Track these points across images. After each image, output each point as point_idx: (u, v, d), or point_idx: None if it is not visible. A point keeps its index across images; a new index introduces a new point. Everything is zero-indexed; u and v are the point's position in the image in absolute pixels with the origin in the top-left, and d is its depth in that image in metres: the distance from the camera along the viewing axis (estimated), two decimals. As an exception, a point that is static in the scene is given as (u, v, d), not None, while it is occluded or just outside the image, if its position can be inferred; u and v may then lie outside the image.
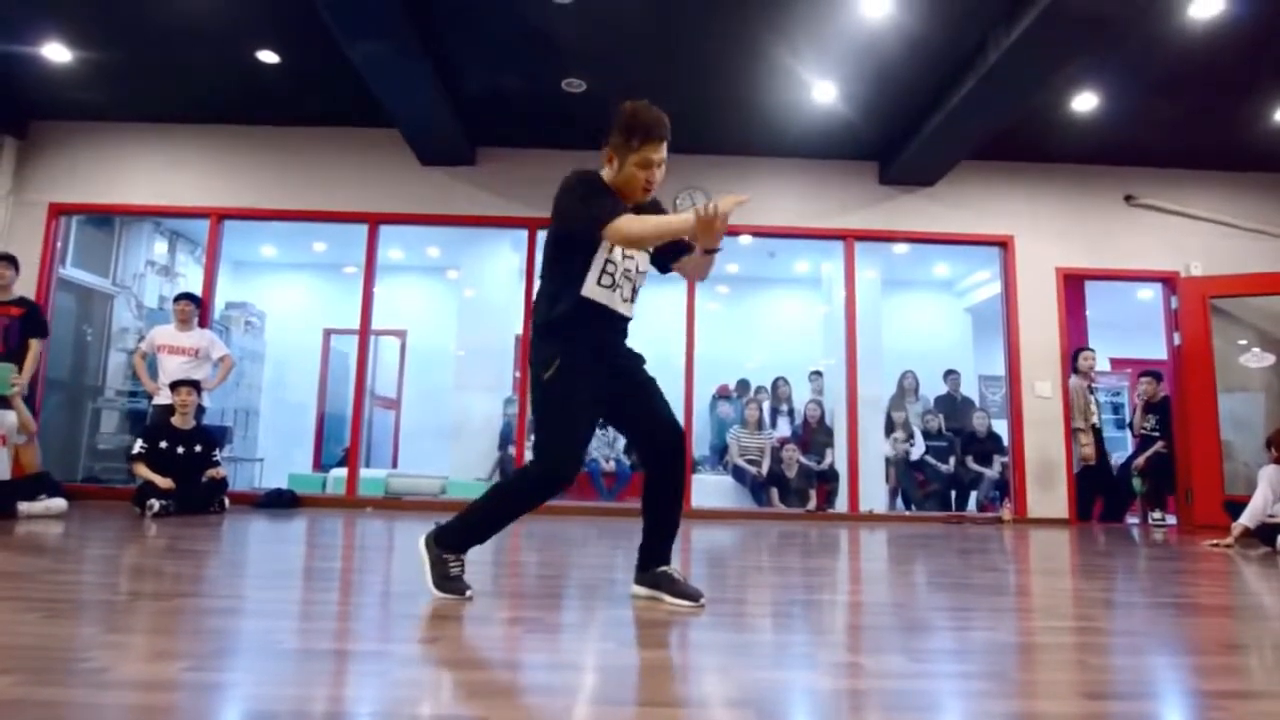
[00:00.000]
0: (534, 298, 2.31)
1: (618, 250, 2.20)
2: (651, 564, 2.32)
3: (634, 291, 2.31)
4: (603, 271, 2.20)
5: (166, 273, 7.68)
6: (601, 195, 2.15)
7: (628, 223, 2.06)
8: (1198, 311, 6.32)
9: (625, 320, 2.31)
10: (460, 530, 2.25)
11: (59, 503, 4.45)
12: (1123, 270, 6.56)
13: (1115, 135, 6.04)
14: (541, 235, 6.56)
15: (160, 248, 7.64)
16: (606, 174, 2.23)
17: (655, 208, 2.33)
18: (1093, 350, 6.66)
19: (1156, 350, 7.00)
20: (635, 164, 2.18)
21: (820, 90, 5.42)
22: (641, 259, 2.29)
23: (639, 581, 2.34)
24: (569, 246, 2.20)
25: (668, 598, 2.24)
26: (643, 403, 2.28)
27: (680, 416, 6.31)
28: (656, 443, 2.28)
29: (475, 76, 5.40)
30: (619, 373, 2.28)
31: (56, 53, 5.30)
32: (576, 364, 2.18)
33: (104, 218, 6.89)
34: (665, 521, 2.33)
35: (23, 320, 5.11)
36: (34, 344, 5.08)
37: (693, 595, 2.21)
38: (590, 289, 2.20)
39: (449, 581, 2.24)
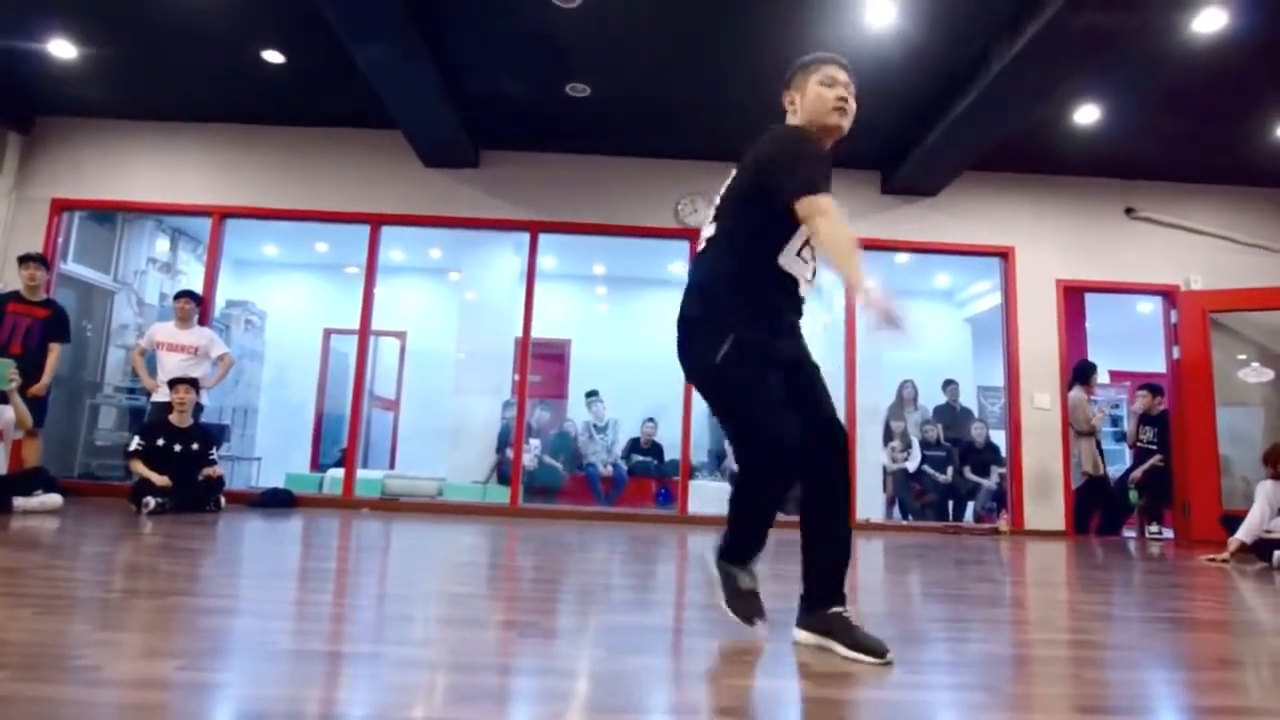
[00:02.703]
0: (700, 267, 1.98)
1: None
2: (815, 604, 1.86)
3: (814, 272, 1.99)
4: (805, 242, 1.90)
5: (168, 270, 7.68)
6: (820, 162, 1.85)
7: (829, 209, 1.76)
8: (1197, 325, 6.32)
9: (803, 303, 1.99)
10: (730, 539, 1.97)
11: (54, 498, 4.44)
12: (1123, 283, 6.56)
13: (1117, 148, 6.05)
14: (544, 238, 6.64)
15: (162, 245, 7.64)
16: (794, 121, 2.01)
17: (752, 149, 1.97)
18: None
19: (1156, 363, 7.00)
20: (818, 82, 1.96)
21: (823, 99, 5.43)
22: None
23: (801, 625, 1.89)
24: (770, 204, 1.84)
25: (840, 649, 1.76)
26: (804, 394, 1.91)
27: (677, 423, 6.40)
28: (815, 446, 1.87)
29: (479, 80, 5.41)
30: (791, 362, 1.94)
31: (62, 49, 5.31)
32: (752, 340, 1.85)
33: (106, 214, 6.89)
34: (822, 548, 1.90)
35: (46, 322, 5.11)
36: (55, 347, 5.09)
37: (876, 649, 1.71)
38: (789, 259, 1.89)
39: (737, 600, 1.93)
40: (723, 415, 1.97)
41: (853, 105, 2.00)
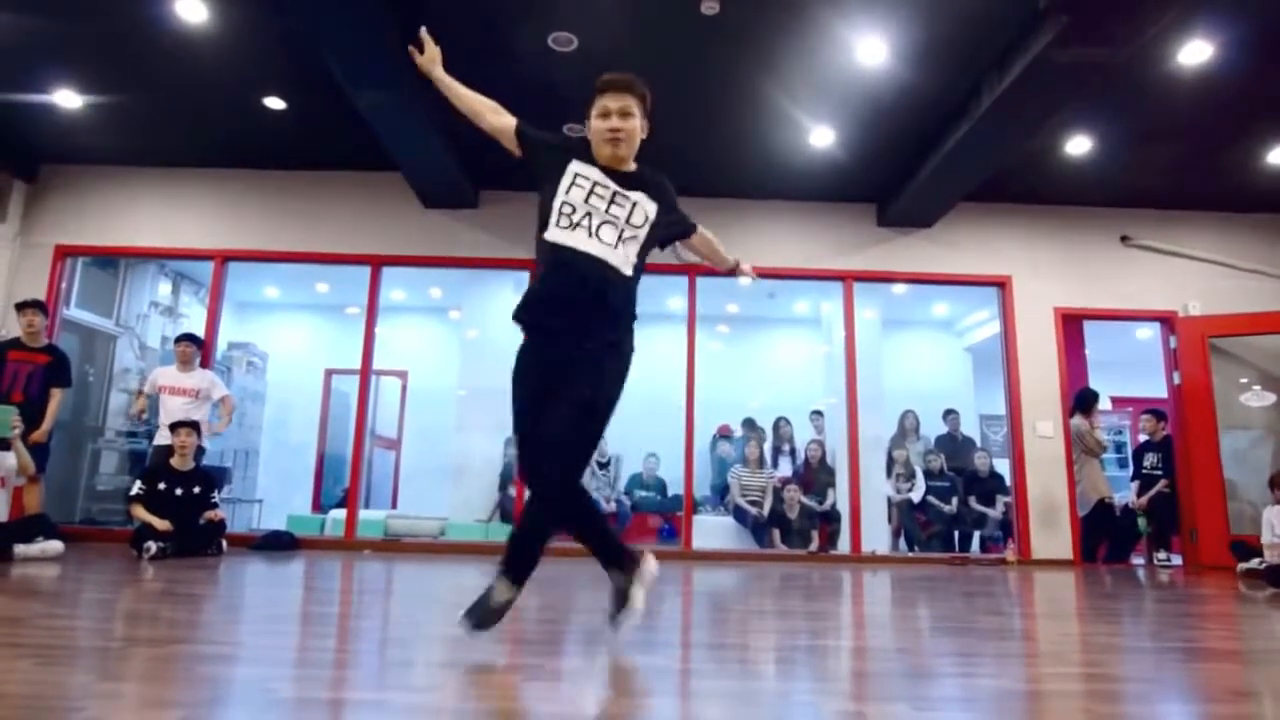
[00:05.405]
0: (624, 279, 2.16)
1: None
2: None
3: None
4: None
5: (170, 313, 7.73)
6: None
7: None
8: (1197, 351, 6.33)
9: None
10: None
11: (55, 545, 4.41)
12: (1121, 310, 6.59)
13: (1109, 177, 6.13)
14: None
15: (164, 288, 7.70)
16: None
17: (656, 187, 2.24)
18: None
19: (1157, 389, 6.99)
20: (596, 115, 2.17)
21: (818, 135, 5.52)
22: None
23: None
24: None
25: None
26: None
27: (679, 458, 6.37)
28: None
29: (478, 122, 5.50)
30: None
31: (67, 99, 5.41)
32: None
33: (109, 259, 6.96)
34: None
35: (47, 368, 5.12)
36: (56, 392, 5.11)
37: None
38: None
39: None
40: (600, 419, 2.17)
41: (629, 130, 2.13)
